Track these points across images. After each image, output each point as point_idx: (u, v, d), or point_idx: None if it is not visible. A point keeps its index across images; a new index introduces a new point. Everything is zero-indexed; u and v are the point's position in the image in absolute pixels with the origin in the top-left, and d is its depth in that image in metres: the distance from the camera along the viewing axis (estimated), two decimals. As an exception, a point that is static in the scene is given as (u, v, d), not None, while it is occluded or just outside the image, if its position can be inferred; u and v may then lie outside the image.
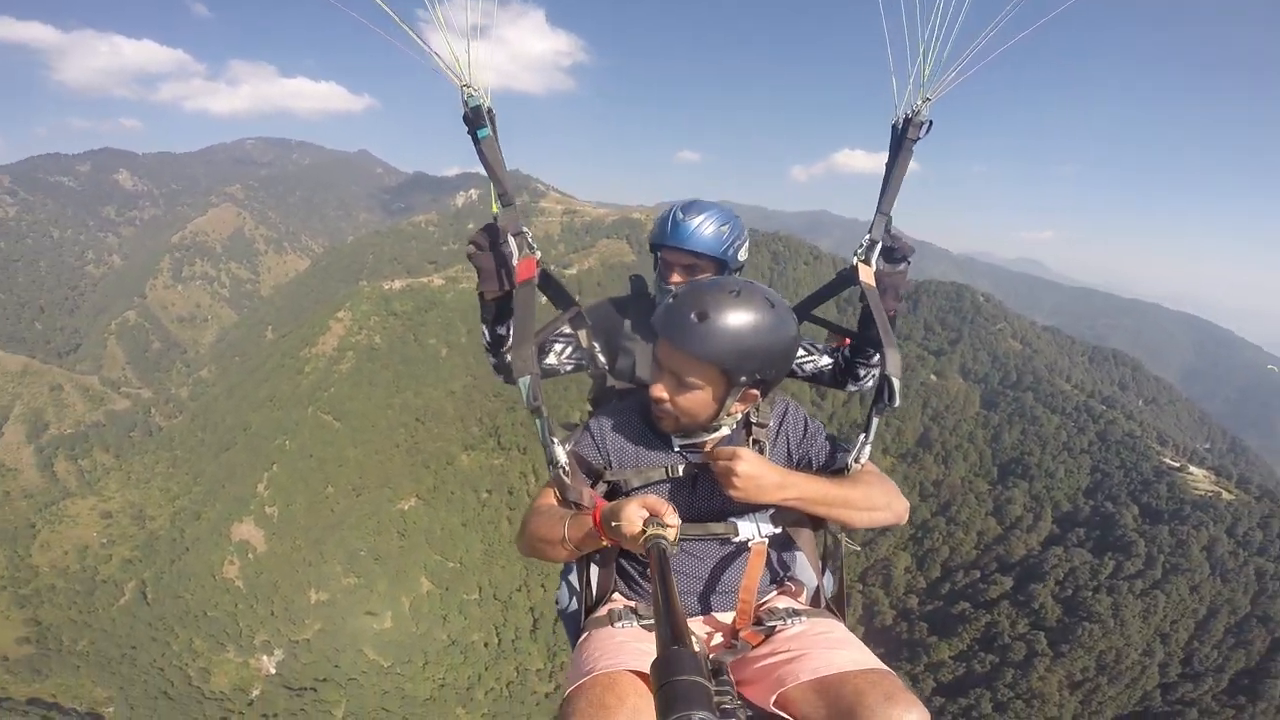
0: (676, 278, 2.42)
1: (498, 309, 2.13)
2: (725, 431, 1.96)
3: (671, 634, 0.92)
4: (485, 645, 76.96)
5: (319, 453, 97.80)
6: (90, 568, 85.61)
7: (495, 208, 1.97)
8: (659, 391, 1.83)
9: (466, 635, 77.79)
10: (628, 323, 2.51)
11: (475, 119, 1.90)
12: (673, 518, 1.52)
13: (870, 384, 2.52)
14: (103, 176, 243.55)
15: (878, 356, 2.21)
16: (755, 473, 1.71)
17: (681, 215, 2.41)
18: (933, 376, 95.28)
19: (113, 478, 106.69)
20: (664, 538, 1.42)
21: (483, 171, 1.95)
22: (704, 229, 2.38)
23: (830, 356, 2.61)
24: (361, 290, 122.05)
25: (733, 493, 1.73)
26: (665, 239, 2.43)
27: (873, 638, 59.01)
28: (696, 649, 0.88)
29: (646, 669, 1.32)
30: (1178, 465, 74.71)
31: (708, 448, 1.93)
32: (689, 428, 1.91)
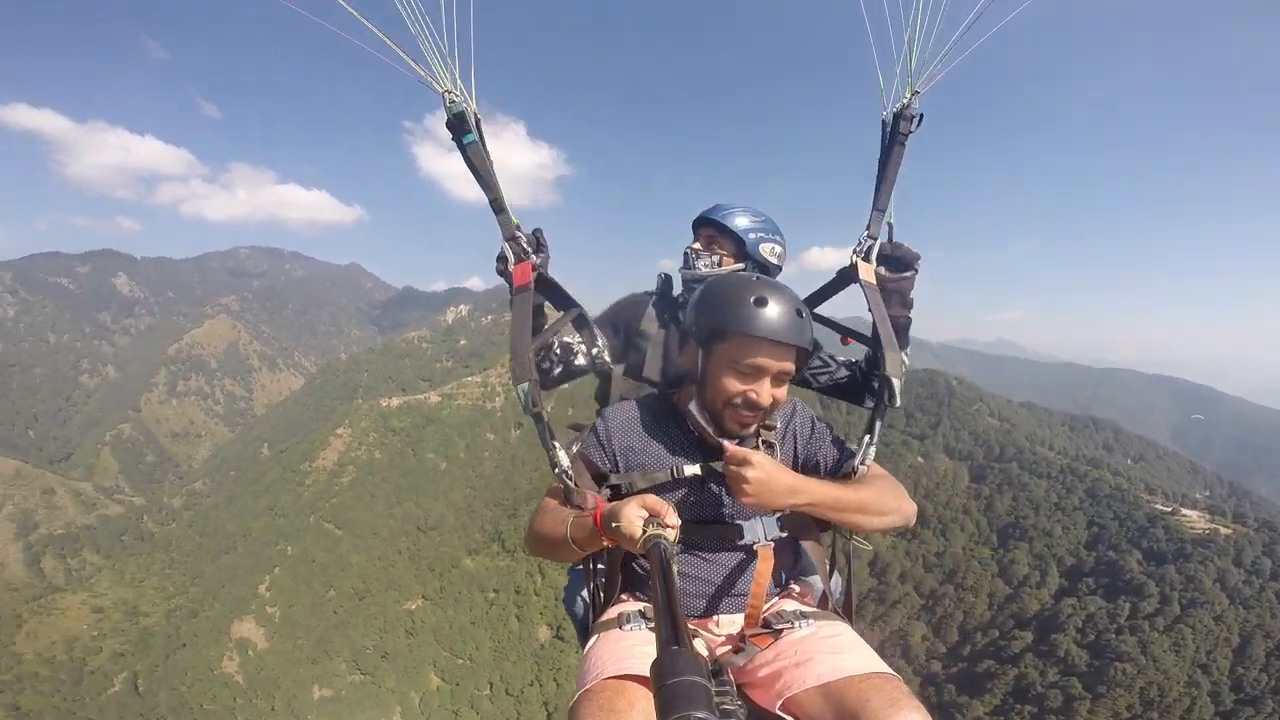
0: (697, 245, 2.64)
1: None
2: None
3: (671, 635, 0.90)
4: (500, 739, 73.74)
5: (322, 558, 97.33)
6: (78, 658, 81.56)
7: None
8: (768, 397, 1.81)
9: (480, 730, 74.64)
10: (648, 317, 2.64)
11: (459, 125, 1.90)
12: (673, 518, 1.47)
13: None
14: (101, 279, 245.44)
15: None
16: (766, 477, 1.67)
17: (729, 204, 2.65)
18: (919, 459, 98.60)
19: (104, 576, 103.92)
20: (664, 538, 1.36)
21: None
22: (738, 215, 2.59)
23: (848, 370, 2.50)
24: (359, 407, 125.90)
25: (743, 498, 1.71)
26: (706, 214, 2.65)
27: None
28: (698, 650, 0.87)
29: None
30: (1169, 510, 77.00)
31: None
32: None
